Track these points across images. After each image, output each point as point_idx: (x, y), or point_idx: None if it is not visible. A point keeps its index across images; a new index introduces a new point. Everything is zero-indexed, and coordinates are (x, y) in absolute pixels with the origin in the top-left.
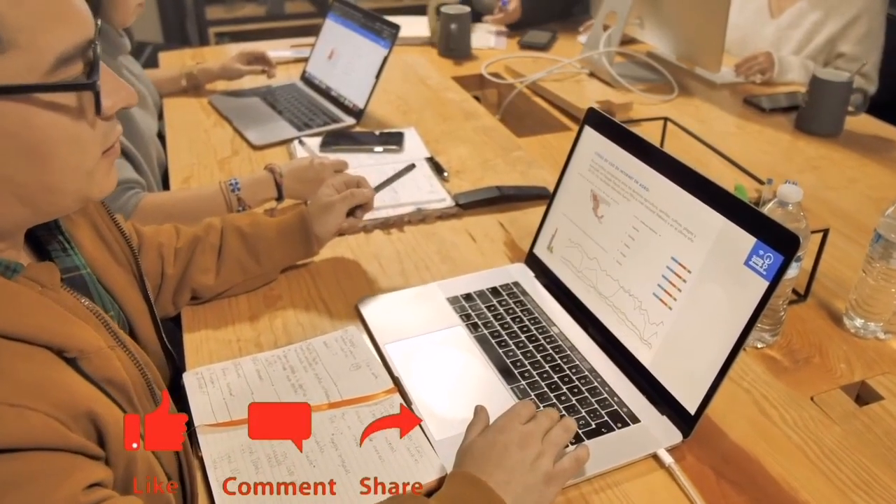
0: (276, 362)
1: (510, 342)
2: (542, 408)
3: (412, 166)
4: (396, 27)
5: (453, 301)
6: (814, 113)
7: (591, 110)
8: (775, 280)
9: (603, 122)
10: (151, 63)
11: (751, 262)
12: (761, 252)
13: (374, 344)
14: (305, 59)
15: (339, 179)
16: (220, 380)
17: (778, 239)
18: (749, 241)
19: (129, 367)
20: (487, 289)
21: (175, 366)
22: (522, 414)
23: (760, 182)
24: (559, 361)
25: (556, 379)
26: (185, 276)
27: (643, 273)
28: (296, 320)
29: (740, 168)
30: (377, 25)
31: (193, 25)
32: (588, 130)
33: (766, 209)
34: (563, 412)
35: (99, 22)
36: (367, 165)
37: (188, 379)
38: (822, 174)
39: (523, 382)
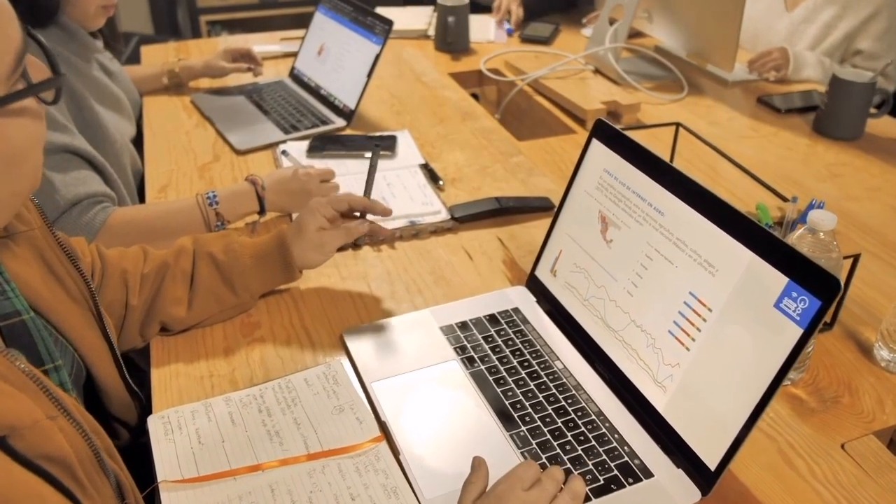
0: (252, 403)
1: (509, 380)
2: (544, 459)
3: (377, 146)
4: (389, 23)
5: (447, 331)
6: (834, 115)
7: (598, 122)
8: (811, 327)
9: (612, 134)
10: (136, 56)
11: (782, 305)
12: (794, 294)
13: (360, 381)
14: (295, 54)
15: (329, 208)
16: (189, 425)
17: (814, 280)
18: (780, 280)
19: (73, 438)
20: (485, 316)
21: (143, 406)
22: (525, 478)
23: (784, 199)
24: (563, 403)
25: (559, 424)
26: (153, 307)
27: (657, 307)
28: (275, 353)
29: (761, 182)
30: (369, 20)
31: (185, 14)
32: (595, 144)
33: (794, 236)
34: (568, 464)
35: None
36: (355, 173)
37: (153, 424)
38: (842, 182)
39: (524, 428)
